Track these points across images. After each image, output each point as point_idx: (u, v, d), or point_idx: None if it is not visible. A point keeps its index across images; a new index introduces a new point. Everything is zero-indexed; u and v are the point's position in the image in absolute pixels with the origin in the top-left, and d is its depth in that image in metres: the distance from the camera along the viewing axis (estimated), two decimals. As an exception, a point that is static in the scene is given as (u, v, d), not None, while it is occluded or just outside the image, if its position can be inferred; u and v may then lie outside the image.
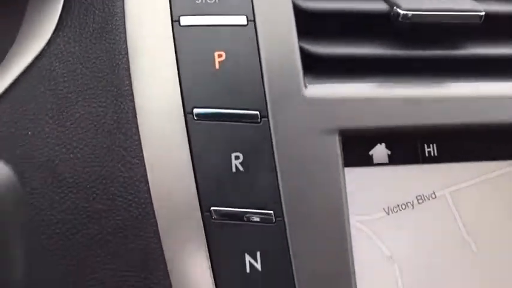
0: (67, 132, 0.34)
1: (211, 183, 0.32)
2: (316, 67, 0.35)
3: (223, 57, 0.34)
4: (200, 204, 0.32)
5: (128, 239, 0.32)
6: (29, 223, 0.33)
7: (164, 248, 0.32)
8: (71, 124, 0.34)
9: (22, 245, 0.20)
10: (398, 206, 0.35)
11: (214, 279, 0.31)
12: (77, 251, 0.32)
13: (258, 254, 0.31)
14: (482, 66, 0.38)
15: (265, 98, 0.33)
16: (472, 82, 0.37)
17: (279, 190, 0.32)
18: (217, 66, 0.34)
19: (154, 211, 0.32)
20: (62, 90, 0.34)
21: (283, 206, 0.32)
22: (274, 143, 0.33)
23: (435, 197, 0.35)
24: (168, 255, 0.32)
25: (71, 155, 0.33)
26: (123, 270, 0.32)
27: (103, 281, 0.32)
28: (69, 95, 0.34)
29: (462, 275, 0.35)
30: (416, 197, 0.35)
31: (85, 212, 0.33)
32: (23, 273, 0.22)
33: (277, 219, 0.32)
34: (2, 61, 0.36)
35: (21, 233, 0.20)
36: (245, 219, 0.32)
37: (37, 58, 0.35)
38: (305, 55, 0.35)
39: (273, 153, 0.33)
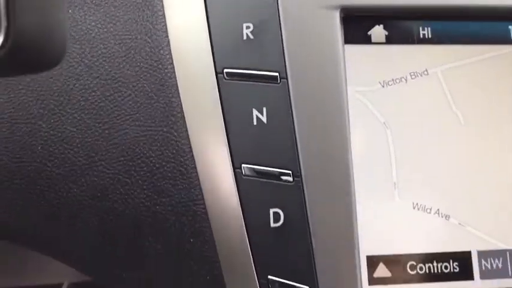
0: (102, 10, 0.39)
1: (224, 48, 0.37)
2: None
3: None
4: (215, 66, 0.36)
5: (153, 99, 0.37)
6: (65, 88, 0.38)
7: (183, 104, 0.37)
8: (106, 3, 0.39)
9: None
10: (392, 80, 0.39)
11: (226, 131, 0.36)
12: (110, 111, 0.37)
13: (264, 109, 0.36)
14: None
15: None
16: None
17: (284, 56, 0.37)
18: None
19: (175, 73, 0.37)
20: (97, -25, 0.40)
21: (288, 69, 0.36)
22: (281, 15, 0.37)
23: (427, 74, 0.39)
24: (186, 110, 0.37)
25: (105, 29, 0.39)
26: (148, 125, 0.37)
27: (132, 135, 0.37)
28: (104, -21, 0.39)
29: (448, 143, 0.38)
30: (410, 73, 0.39)
31: (116, 77, 0.38)
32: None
33: (282, 80, 0.36)
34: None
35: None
36: (253, 79, 0.36)
37: None
38: None
39: (280, 24, 0.37)
